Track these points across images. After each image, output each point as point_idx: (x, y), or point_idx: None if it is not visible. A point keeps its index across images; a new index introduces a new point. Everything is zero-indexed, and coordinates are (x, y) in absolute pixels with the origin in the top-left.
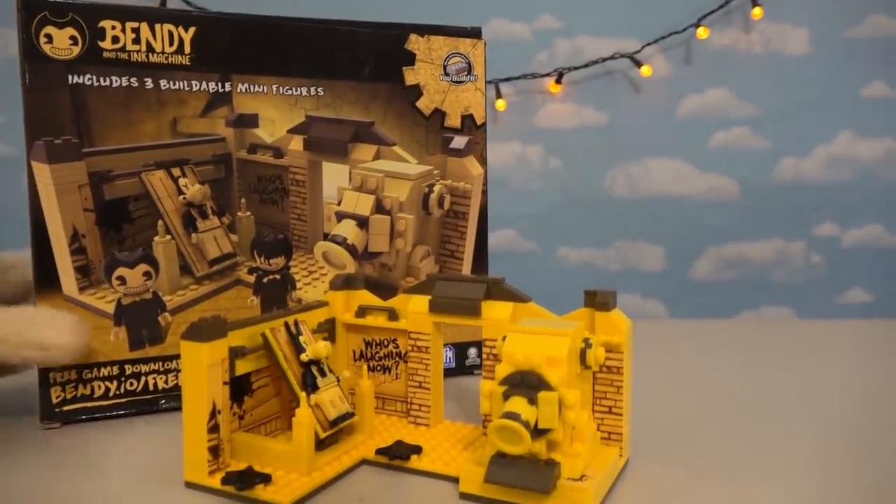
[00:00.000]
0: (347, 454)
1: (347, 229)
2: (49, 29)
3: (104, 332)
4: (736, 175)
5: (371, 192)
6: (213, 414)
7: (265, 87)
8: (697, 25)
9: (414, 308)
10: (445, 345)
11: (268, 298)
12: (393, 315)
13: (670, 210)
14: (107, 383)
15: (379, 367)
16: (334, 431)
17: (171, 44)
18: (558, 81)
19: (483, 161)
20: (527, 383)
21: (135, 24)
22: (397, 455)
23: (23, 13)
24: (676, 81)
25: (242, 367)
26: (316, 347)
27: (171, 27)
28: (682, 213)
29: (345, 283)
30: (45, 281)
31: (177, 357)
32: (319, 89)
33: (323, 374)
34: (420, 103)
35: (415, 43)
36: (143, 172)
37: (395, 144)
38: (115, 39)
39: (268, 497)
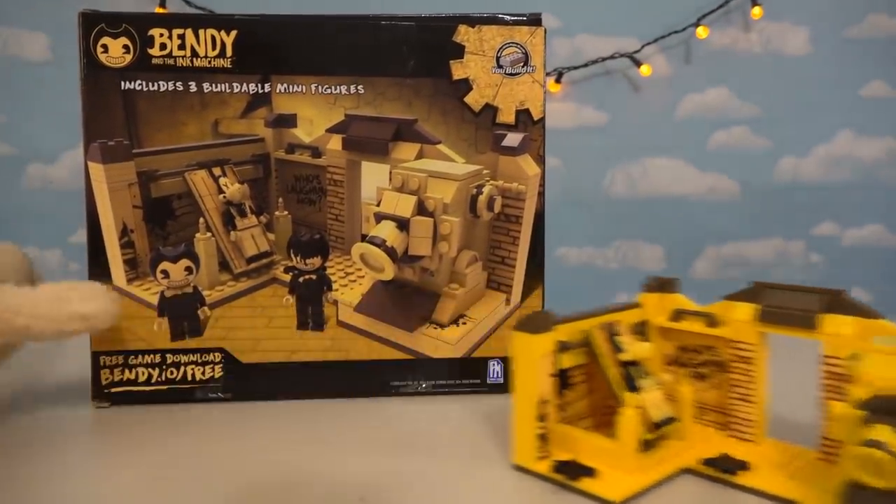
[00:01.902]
0: (668, 460)
1: (386, 231)
2: (105, 40)
3: (149, 322)
4: (736, 175)
5: (412, 193)
6: (541, 403)
7: (304, 87)
8: (697, 25)
9: (738, 316)
10: (492, 358)
11: (304, 298)
12: (712, 321)
13: (670, 210)
14: (150, 370)
15: (694, 375)
16: (657, 436)
17: (213, 48)
18: (558, 81)
19: (540, 160)
20: (892, 410)
21: (180, 31)
22: (726, 468)
23: (83, 26)
24: (676, 81)
25: (565, 362)
26: (638, 348)
27: (214, 31)
28: (681, 213)
29: (660, 285)
30: (97, 272)
31: (214, 350)
32: (360, 87)
33: (643, 376)
34: (469, 98)
35: (464, 34)
36: (187, 172)
37: (440, 143)
38: (163, 46)
39: (599, 492)
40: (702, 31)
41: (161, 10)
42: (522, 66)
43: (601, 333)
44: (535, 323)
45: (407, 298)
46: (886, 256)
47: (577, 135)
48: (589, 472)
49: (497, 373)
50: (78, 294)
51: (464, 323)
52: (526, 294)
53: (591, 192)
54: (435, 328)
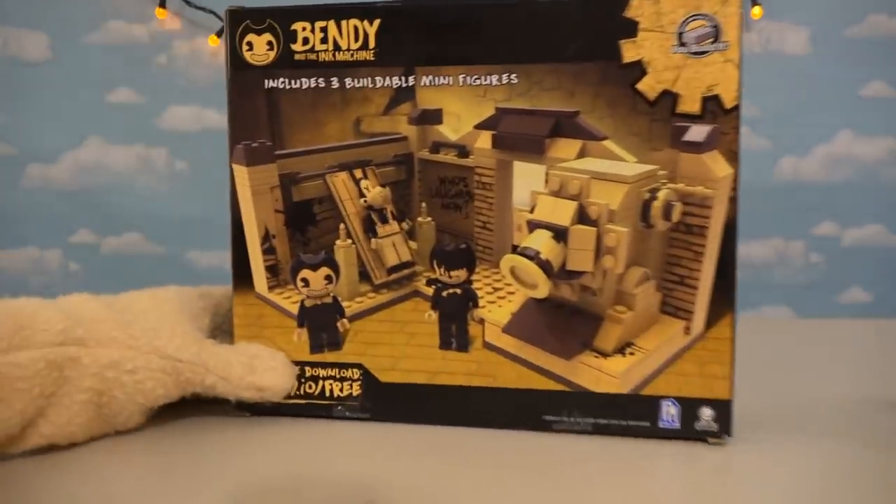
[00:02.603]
0: None
1: (541, 241)
2: (250, 37)
3: (288, 332)
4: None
5: (572, 198)
6: None
7: (450, 79)
8: None
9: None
10: (667, 398)
11: (447, 314)
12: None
13: None
14: None
15: None
16: None
17: (356, 40)
18: None
19: (733, 157)
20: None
21: (322, 24)
22: None
23: (230, 24)
24: None
25: None
26: None
27: (357, 22)
28: None
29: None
30: (240, 278)
31: (353, 366)
32: (512, 76)
33: None
34: (642, 85)
35: (638, 7)
36: (328, 174)
37: (607, 139)
38: (306, 41)
39: None
40: None
41: (161, 11)
42: (711, 43)
43: None
44: None
45: (564, 321)
46: (886, 256)
47: None
48: None
49: (672, 417)
50: (262, 364)
51: (631, 353)
52: (711, 322)
53: None
54: (596, 357)
